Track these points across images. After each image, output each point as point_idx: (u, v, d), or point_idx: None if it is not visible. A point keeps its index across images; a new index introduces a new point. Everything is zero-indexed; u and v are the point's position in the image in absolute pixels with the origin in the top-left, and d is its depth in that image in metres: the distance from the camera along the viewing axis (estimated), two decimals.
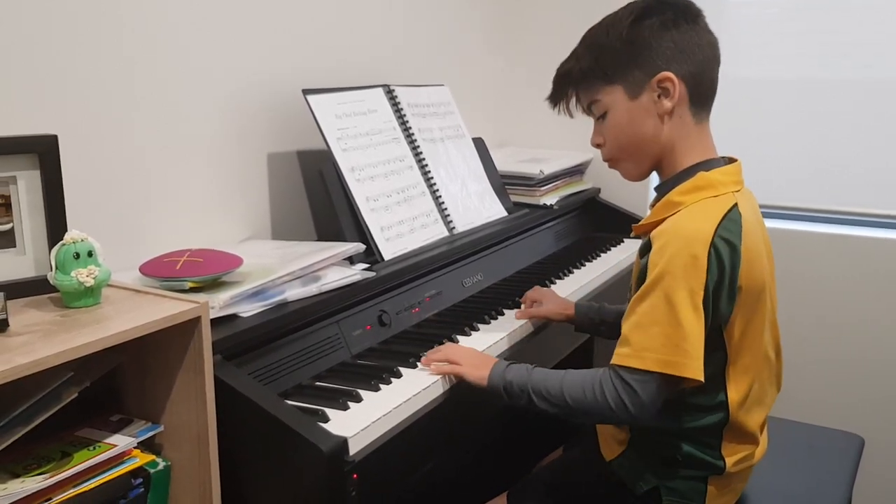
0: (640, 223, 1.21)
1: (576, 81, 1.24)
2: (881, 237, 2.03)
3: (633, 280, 1.21)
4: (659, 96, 1.16)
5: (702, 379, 1.05)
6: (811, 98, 2.11)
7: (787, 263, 1.92)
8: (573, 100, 1.26)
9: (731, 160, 1.20)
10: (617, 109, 1.20)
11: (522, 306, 1.54)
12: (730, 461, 1.17)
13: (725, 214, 1.10)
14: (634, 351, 1.07)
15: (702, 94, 1.18)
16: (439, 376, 1.21)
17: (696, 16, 1.19)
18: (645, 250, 1.13)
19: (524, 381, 1.15)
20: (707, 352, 1.08)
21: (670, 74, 1.15)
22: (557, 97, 1.27)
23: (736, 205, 1.12)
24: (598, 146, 1.26)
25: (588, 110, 1.25)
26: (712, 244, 1.07)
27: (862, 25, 2.02)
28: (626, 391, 1.07)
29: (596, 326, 1.50)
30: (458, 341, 1.36)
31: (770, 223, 1.18)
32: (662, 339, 1.06)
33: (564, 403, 1.11)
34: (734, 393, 1.15)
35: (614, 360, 1.09)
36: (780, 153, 2.15)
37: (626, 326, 1.10)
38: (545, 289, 1.59)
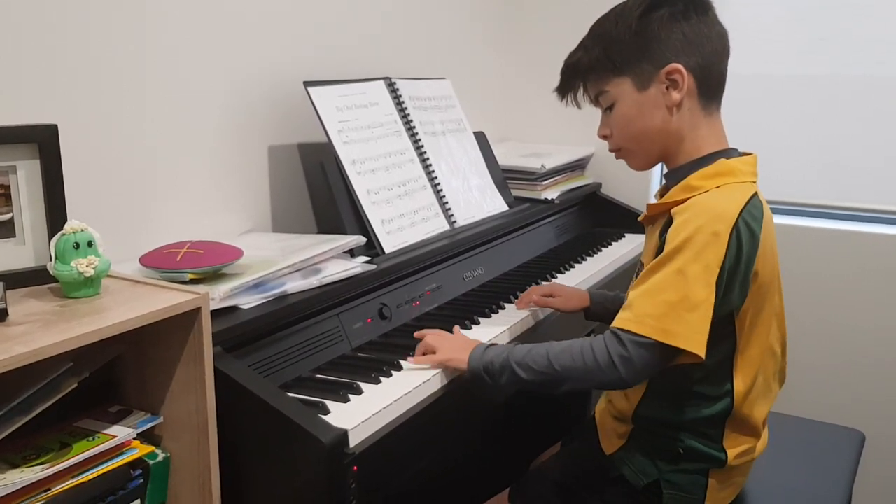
0: (655, 203, 1.20)
1: (584, 73, 1.23)
2: (885, 233, 2.02)
3: (643, 259, 1.21)
4: (668, 88, 1.16)
5: (702, 354, 1.04)
6: (816, 94, 2.10)
7: (791, 259, 1.91)
8: (581, 91, 1.26)
9: (747, 154, 1.21)
10: (625, 101, 1.20)
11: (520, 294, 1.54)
12: (731, 454, 1.17)
13: (749, 200, 1.10)
14: (635, 315, 1.07)
15: (710, 85, 1.18)
16: (439, 369, 1.21)
17: (706, 7, 1.18)
18: (666, 227, 1.12)
19: (504, 357, 1.15)
20: (717, 339, 1.08)
21: (679, 66, 1.15)
22: (565, 88, 1.27)
23: (756, 194, 1.12)
24: (604, 137, 1.26)
25: (595, 101, 1.25)
26: (735, 225, 1.07)
27: (868, 22, 2.01)
28: (619, 353, 1.06)
29: (611, 314, 1.49)
30: None
31: (775, 219, 1.17)
32: (666, 307, 1.05)
33: (551, 370, 1.11)
34: (740, 383, 1.15)
35: (614, 324, 1.09)
36: (785, 149, 2.14)
37: (634, 293, 1.10)
38: (556, 284, 1.56)
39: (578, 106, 1.28)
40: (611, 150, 1.27)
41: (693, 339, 1.04)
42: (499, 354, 1.16)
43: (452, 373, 1.22)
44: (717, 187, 1.13)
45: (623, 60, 1.18)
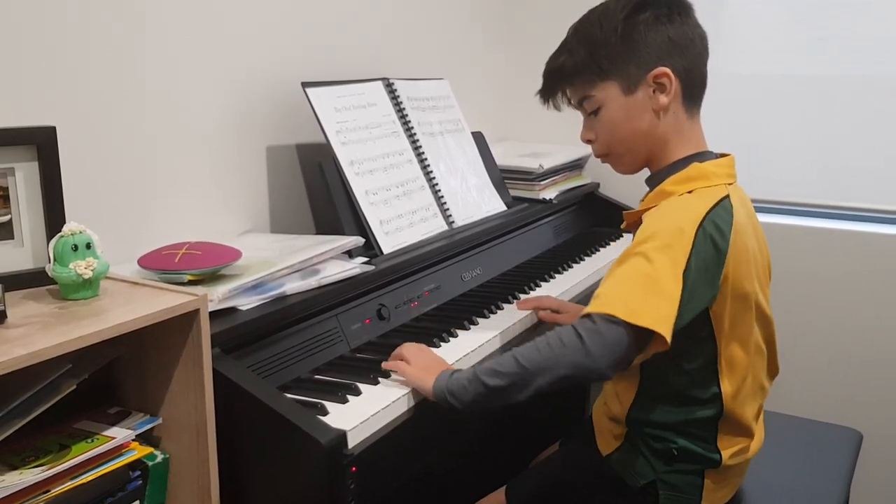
0: (631, 212, 1.21)
1: (569, 77, 1.22)
2: (885, 233, 2.02)
3: None
4: (655, 91, 1.16)
5: (668, 337, 1.01)
6: (815, 94, 2.10)
7: (790, 259, 1.91)
8: (562, 94, 1.25)
9: (724, 155, 1.20)
10: (611, 105, 1.19)
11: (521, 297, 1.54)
12: (726, 454, 1.17)
13: (718, 202, 1.10)
14: (603, 300, 1.04)
15: (694, 88, 1.19)
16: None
17: (687, 9, 1.19)
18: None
19: (470, 372, 1.10)
20: (697, 341, 1.09)
21: (667, 70, 1.14)
22: (549, 92, 1.26)
23: (728, 196, 1.12)
24: (588, 142, 1.25)
25: (578, 105, 1.24)
26: (701, 225, 1.07)
27: (867, 22, 2.01)
28: (588, 333, 1.02)
29: None
30: (456, 336, 1.35)
31: (770, 218, 1.17)
32: (635, 289, 1.03)
33: (520, 368, 1.05)
34: (728, 385, 1.15)
35: (582, 312, 1.06)
36: (785, 149, 2.14)
37: (602, 286, 1.08)
38: (563, 301, 1.55)
39: (558, 109, 1.27)
40: (597, 156, 1.26)
41: (659, 320, 1.01)
42: (464, 373, 1.12)
43: None
44: (689, 192, 1.13)
45: (609, 64, 1.17)
